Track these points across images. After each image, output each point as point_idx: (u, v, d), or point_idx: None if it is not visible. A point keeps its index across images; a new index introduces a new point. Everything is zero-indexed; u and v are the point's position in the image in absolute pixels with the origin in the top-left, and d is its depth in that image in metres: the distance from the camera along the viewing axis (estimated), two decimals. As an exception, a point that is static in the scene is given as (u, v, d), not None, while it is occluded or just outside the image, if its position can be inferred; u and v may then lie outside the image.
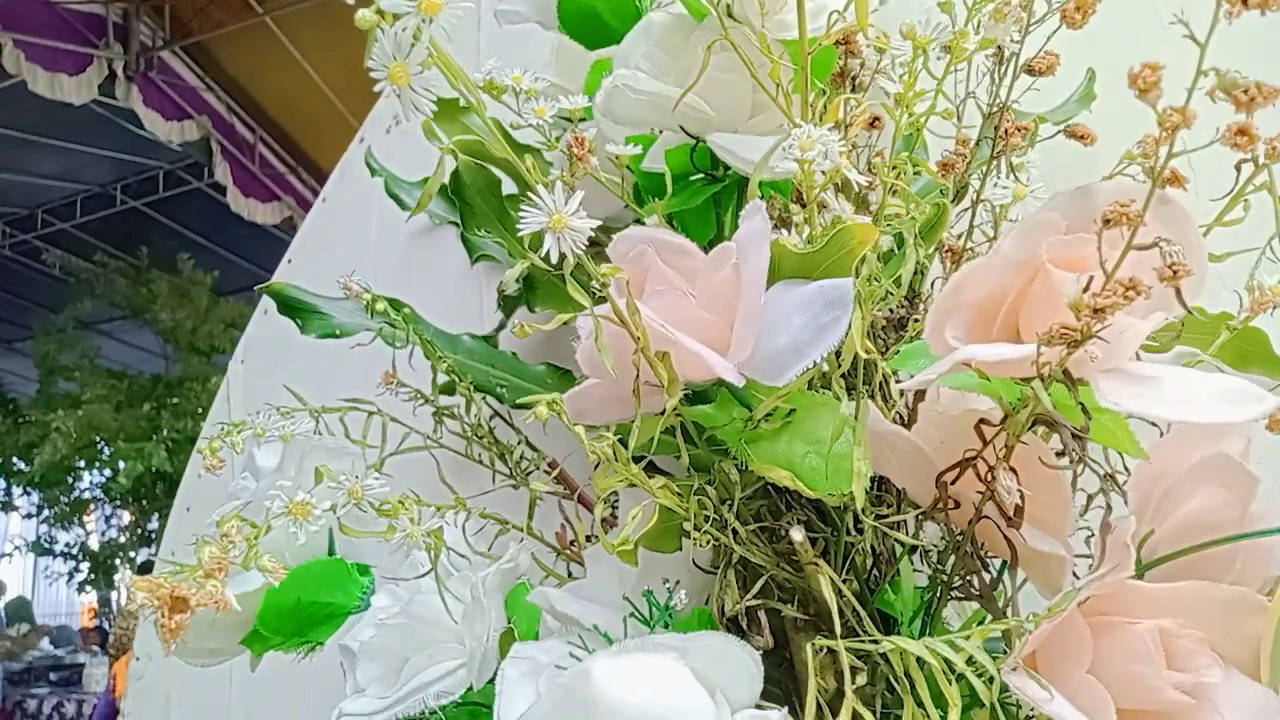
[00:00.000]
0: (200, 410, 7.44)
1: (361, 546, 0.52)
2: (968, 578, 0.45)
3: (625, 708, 0.27)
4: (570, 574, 0.56)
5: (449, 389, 0.61)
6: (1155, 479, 0.45)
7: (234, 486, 0.48)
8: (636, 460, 0.41)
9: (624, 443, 0.40)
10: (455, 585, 0.44)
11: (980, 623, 0.44)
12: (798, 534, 0.42)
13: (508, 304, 0.79)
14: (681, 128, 0.57)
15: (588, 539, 0.55)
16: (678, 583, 0.42)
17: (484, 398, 0.60)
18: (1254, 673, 0.37)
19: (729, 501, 0.44)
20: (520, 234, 0.32)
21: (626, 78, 0.55)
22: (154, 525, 7.85)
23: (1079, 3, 0.36)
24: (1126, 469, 0.47)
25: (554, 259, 0.32)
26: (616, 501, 0.59)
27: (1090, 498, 0.47)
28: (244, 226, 6.38)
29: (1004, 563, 0.46)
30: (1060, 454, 0.42)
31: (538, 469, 0.62)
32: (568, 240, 0.32)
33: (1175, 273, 0.30)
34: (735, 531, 0.43)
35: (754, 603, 0.43)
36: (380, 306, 0.52)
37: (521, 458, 0.61)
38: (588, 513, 0.61)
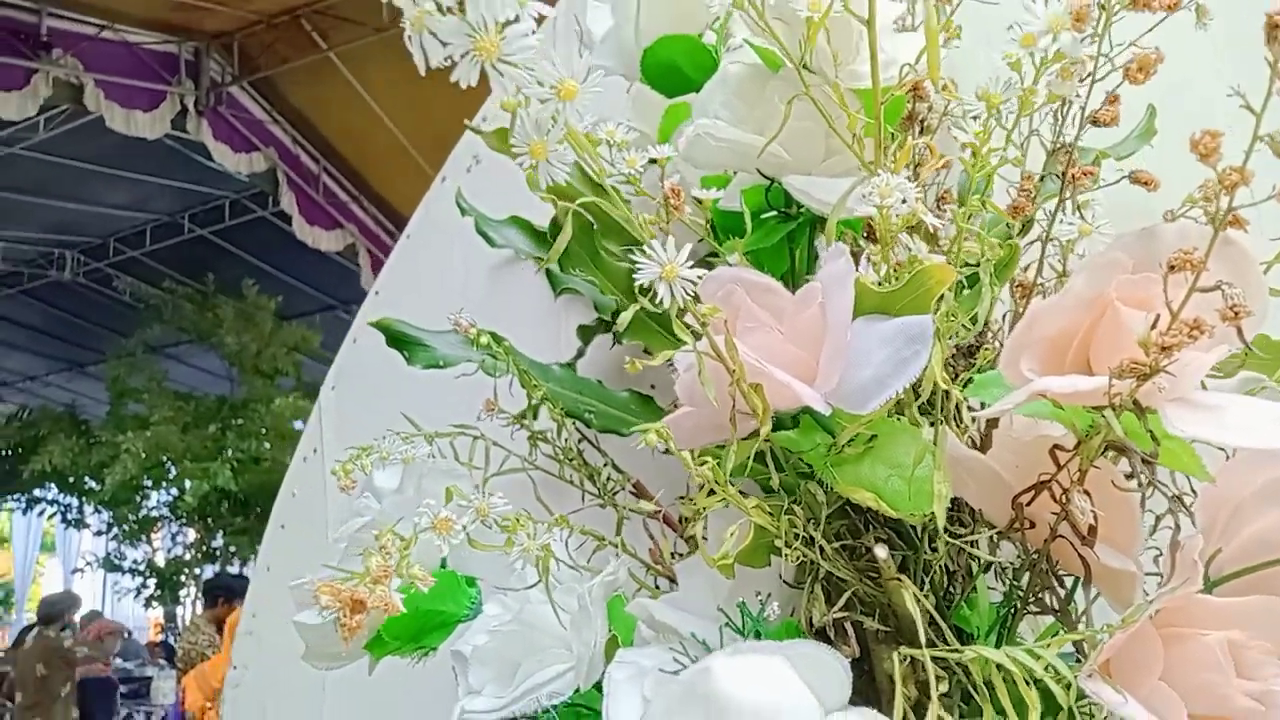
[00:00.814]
0: (264, 430, 7.66)
1: (467, 559, 0.57)
2: (1042, 593, 0.47)
3: (743, 703, 0.31)
4: (657, 587, 0.59)
5: (533, 413, 0.66)
6: (1222, 501, 0.47)
7: (358, 505, 0.53)
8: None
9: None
10: (560, 596, 0.48)
11: (1054, 636, 0.47)
12: (881, 551, 0.45)
13: (585, 334, 0.83)
14: (759, 170, 0.61)
15: (675, 555, 0.59)
16: (769, 595, 0.45)
17: (574, 423, 0.64)
18: (1320, 684, 0.39)
19: (815, 520, 0.47)
20: (637, 281, 0.36)
21: (708, 126, 0.59)
22: (218, 542, 8.07)
23: (1141, 62, 0.39)
24: (1194, 490, 0.49)
25: (666, 305, 0.36)
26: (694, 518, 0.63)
27: (1158, 518, 0.50)
28: (306, 253, 6.59)
29: (1076, 579, 0.49)
30: (1129, 476, 0.45)
31: (623, 489, 0.66)
32: (678, 288, 0.36)
33: (1236, 314, 0.33)
34: (821, 548, 0.46)
35: (840, 615, 0.46)
36: (484, 340, 0.57)
37: (608, 479, 0.65)
38: (670, 530, 0.65)
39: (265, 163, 5.50)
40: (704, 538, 0.44)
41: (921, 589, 0.48)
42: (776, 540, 0.44)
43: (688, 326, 0.40)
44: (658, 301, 0.36)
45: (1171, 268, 0.35)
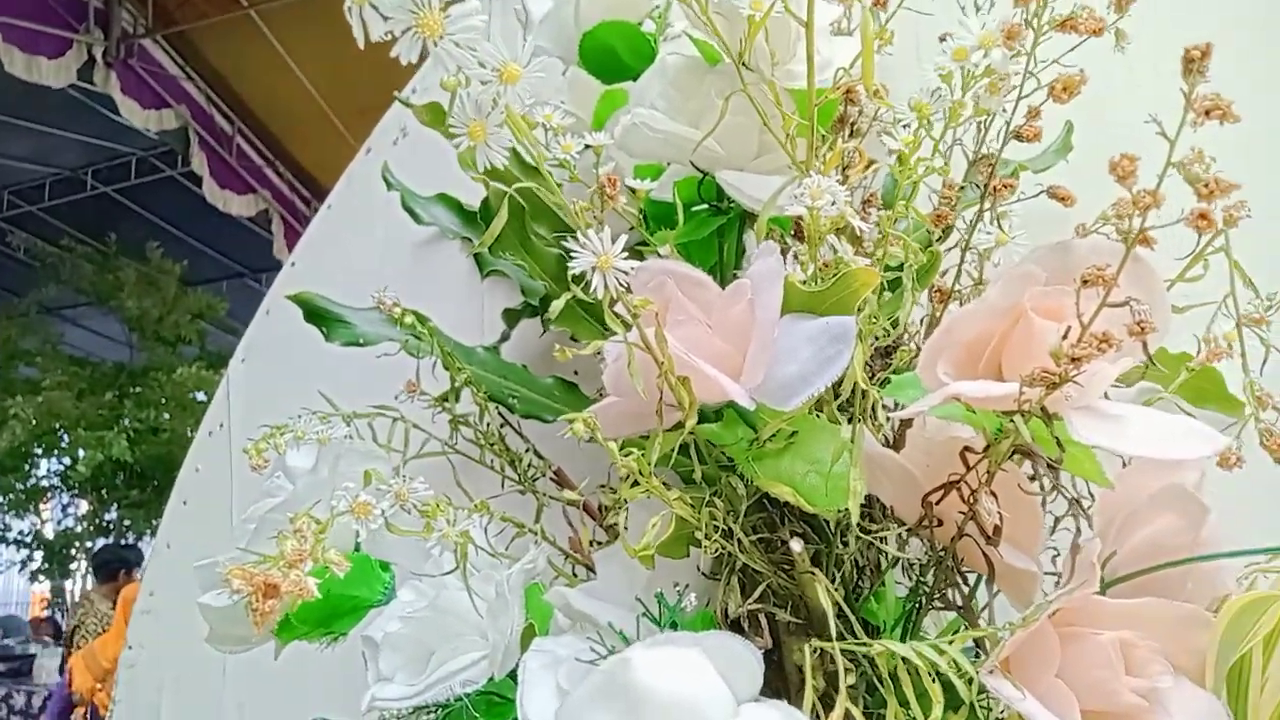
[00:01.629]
0: (164, 400, 7.37)
1: (381, 543, 0.56)
2: (947, 589, 0.49)
3: (661, 694, 0.31)
4: (575, 575, 0.59)
5: (455, 396, 0.65)
6: (1118, 505, 0.50)
7: (269, 485, 0.51)
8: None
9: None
10: (477, 583, 0.47)
11: (957, 631, 0.49)
12: (796, 545, 0.46)
13: (511, 317, 0.82)
14: (693, 163, 0.62)
15: (594, 543, 0.59)
16: (687, 586, 0.45)
17: (496, 408, 0.64)
18: (1200, 680, 0.42)
19: (734, 513, 0.48)
20: (571, 270, 0.36)
21: (645, 117, 0.59)
22: (112, 515, 7.74)
23: (1065, 83, 0.40)
24: (1091, 495, 0.51)
25: (600, 295, 0.36)
26: (614, 506, 0.63)
27: (1058, 520, 0.52)
28: (214, 217, 6.33)
29: (979, 577, 0.51)
30: (1033, 478, 0.46)
31: (543, 476, 0.65)
32: (611, 279, 0.36)
33: (1143, 329, 0.35)
34: (739, 541, 0.47)
35: (755, 607, 0.47)
36: (408, 320, 0.56)
37: (529, 465, 0.64)
38: (589, 518, 0.65)
39: (176, 120, 5.26)
40: (625, 528, 0.44)
41: (833, 583, 0.49)
42: (696, 532, 0.45)
43: (618, 317, 0.40)
44: (591, 291, 0.36)
45: (1085, 282, 0.36)
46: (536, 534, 0.54)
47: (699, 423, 0.49)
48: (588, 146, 0.61)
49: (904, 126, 0.46)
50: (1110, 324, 0.39)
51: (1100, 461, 0.45)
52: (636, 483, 0.43)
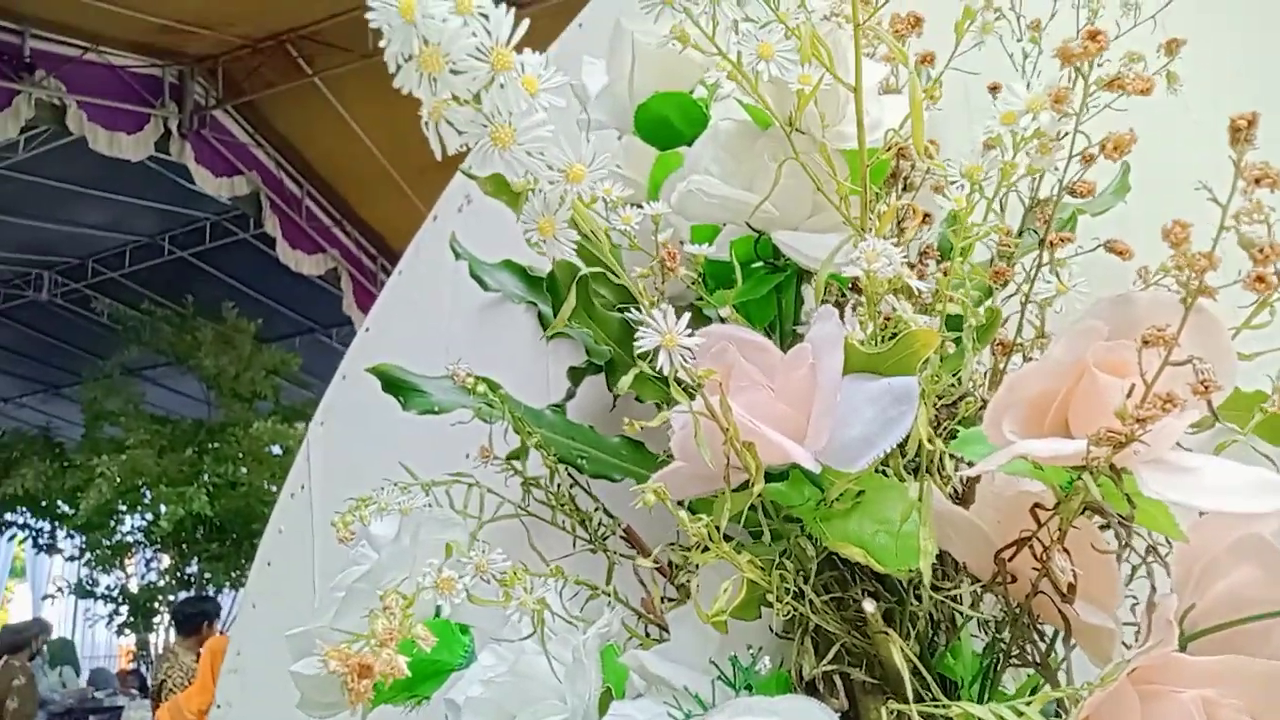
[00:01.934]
0: (241, 455, 7.58)
1: (461, 608, 0.57)
2: (1024, 646, 0.49)
3: (738, 763, 0.32)
4: (648, 635, 0.60)
5: (516, 456, 0.67)
6: (1195, 557, 0.49)
7: (354, 554, 0.53)
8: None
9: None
10: (554, 647, 0.49)
11: (1034, 689, 0.48)
12: (870, 605, 0.46)
13: (576, 375, 0.84)
14: (748, 225, 0.63)
15: (665, 600, 0.60)
16: (760, 648, 0.46)
17: (566, 468, 0.65)
18: (1290, 739, 0.41)
19: (804, 573, 0.48)
20: (637, 348, 0.38)
21: (700, 183, 0.61)
22: (193, 569, 7.96)
23: (1116, 142, 0.41)
24: (1168, 542, 0.51)
25: (666, 371, 0.38)
26: (684, 566, 0.64)
27: (1134, 569, 0.51)
28: (286, 276, 6.56)
29: (1056, 632, 0.50)
30: (1104, 528, 0.46)
31: (613, 534, 0.67)
32: (676, 355, 0.37)
33: (1206, 388, 0.35)
34: (811, 601, 0.48)
35: (830, 668, 0.47)
36: (480, 389, 0.58)
37: (599, 524, 0.66)
38: (660, 576, 0.66)
39: (248, 186, 5.49)
40: (697, 591, 0.45)
41: (907, 640, 0.50)
42: (768, 594, 0.46)
43: (682, 385, 0.41)
44: (657, 367, 0.38)
45: (1146, 342, 0.36)
46: (610, 596, 0.55)
47: (766, 483, 0.50)
48: (638, 206, 0.64)
49: (956, 186, 0.47)
50: (1175, 381, 0.39)
51: (1175, 513, 0.45)
52: (706, 548, 0.44)
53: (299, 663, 0.51)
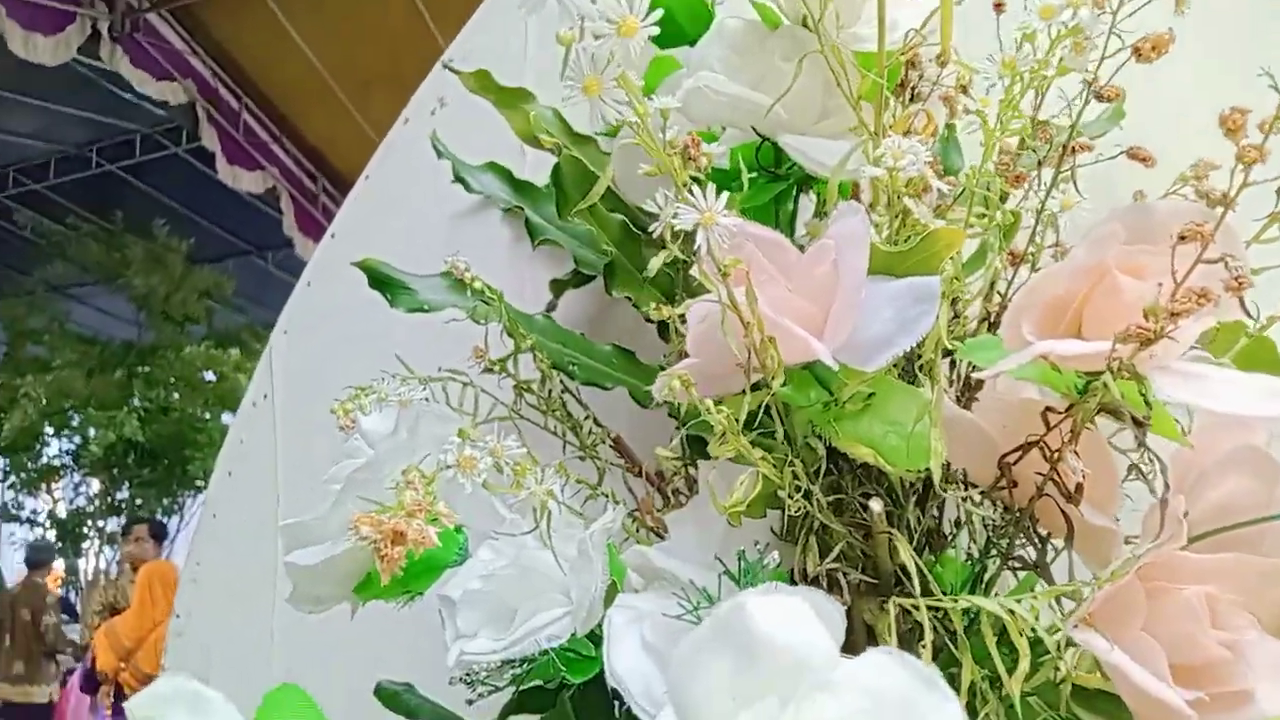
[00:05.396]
0: (173, 379, 7.39)
1: (451, 505, 0.56)
2: (1020, 549, 0.50)
3: (774, 639, 0.32)
4: (645, 537, 0.60)
5: (504, 361, 0.65)
6: (1187, 466, 0.50)
7: (348, 447, 0.52)
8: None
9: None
10: (556, 542, 0.48)
11: (1030, 589, 0.50)
12: (876, 505, 0.46)
13: (558, 287, 0.83)
14: (754, 129, 0.62)
15: (667, 505, 0.60)
16: (768, 545, 0.46)
17: (557, 374, 0.64)
18: (1278, 633, 0.42)
19: (811, 473, 0.48)
20: (667, 229, 0.36)
21: (709, 80, 0.59)
22: (124, 494, 7.78)
23: (1155, 42, 0.40)
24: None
25: (704, 252, 0.36)
26: (676, 473, 0.64)
27: (1126, 473, 0.52)
28: (219, 194, 6.31)
29: (1045, 537, 0.51)
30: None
31: (603, 443, 0.66)
32: (715, 235, 0.36)
33: (1240, 284, 0.35)
34: (817, 501, 0.48)
35: (832, 566, 0.48)
36: (478, 285, 0.56)
37: (590, 431, 0.65)
38: (649, 484, 0.66)
39: (185, 95, 5.23)
40: (708, 484, 0.45)
41: (911, 544, 0.50)
42: (780, 491, 0.45)
43: (709, 276, 0.40)
44: (694, 249, 0.36)
45: (1182, 238, 0.36)
46: (608, 496, 0.55)
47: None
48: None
49: (989, 86, 0.46)
50: (1197, 282, 0.39)
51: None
52: (723, 442, 0.44)
53: (294, 553, 0.50)
